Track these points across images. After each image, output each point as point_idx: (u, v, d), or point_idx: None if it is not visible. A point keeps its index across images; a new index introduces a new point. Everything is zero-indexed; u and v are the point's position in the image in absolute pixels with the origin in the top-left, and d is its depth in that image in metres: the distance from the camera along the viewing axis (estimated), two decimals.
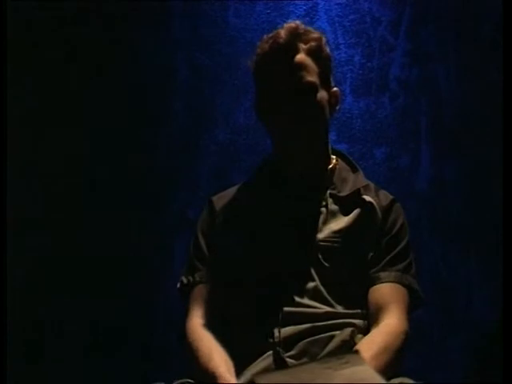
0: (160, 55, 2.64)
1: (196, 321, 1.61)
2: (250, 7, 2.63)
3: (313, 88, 1.59)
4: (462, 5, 2.59)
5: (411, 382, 1.47)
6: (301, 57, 1.59)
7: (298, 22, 1.65)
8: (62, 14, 2.61)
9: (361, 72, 2.59)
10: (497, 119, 2.31)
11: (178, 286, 1.71)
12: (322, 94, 1.62)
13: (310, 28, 1.66)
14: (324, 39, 1.65)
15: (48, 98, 2.59)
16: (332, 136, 2.50)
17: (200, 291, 1.65)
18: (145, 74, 2.62)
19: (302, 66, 1.59)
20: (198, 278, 1.66)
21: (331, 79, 1.67)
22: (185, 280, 1.69)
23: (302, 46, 1.60)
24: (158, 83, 2.62)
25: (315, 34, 1.64)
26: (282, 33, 1.60)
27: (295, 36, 1.60)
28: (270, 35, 1.63)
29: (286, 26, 1.63)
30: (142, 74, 2.62)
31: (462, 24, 2.58)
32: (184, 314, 1.65)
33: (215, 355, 1.49)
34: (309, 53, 1.60)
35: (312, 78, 1.60)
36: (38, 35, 2.61)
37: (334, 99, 1.67)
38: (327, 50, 1.66)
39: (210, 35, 2.63)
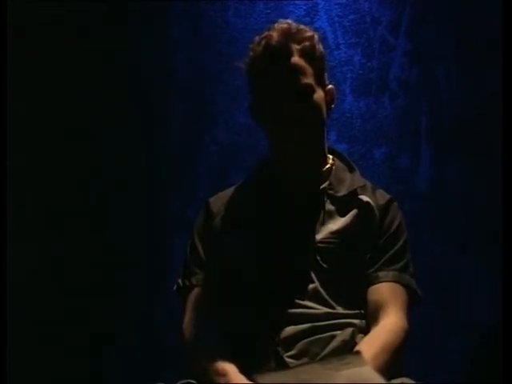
0: (160, 55, 2.64)
1: (194, 323, 1.61)
2: (250, 7, 2.63)
3: (309, 90, 1.59)
4: (461, 5, 2.59)
5: (411, 382, 1.47)
6: (295, 59, 1.57)
7: (289, 21, 1.63)
8: (62, 14, 2.61)
9: (361, 72, 2.59)
10: (497, 119, 2.31)
11: (175, 288, 1.71)
12: (319, 95, 1.61)
13: (302, 26, 1.63)
14: (317, 37, 1.63)
15: (48, 98, 2.59)
16: (332, 136, 2.50)
17: (197, 294, 1.65)
18: (145, 74, 2.62)
19: (296, 69, 1.57)
20: (194, 282, 1.66)
21: (326, 77, 1.66)
22: (181, 283, 1.69)
23: (296, 46, 1.58)
24: (158, 83, 2.62)
25: (308, 33, 1.61)
26: (275, 35, 1.58)
27: (288, 37, 1.58)
28: (262, 36, 1.61)
29: (277, 26, 1.60)
30: (142, 74, 2.62)
31: (461, 24, 2.58)
32: (181, 317, 1.66)
33: (219, 356, 1.49)
34: (302, 54, 1.58)
35: (307, 80, 1.58)
36: (37, 35, 2.61)
37: (329, 97, 1.66)
38: (321, 47, 1.64)
39: (210, 35, 2.64)
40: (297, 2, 2.62)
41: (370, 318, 1.57)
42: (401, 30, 2.60)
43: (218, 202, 1.72)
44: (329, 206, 1.63)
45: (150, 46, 2.63)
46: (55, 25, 2.61)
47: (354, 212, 1.62)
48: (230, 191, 1.75)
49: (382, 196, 1.69)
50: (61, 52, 2.61)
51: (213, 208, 1.70)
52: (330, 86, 1.67)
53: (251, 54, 1.62)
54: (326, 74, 1.66)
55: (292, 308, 1.53)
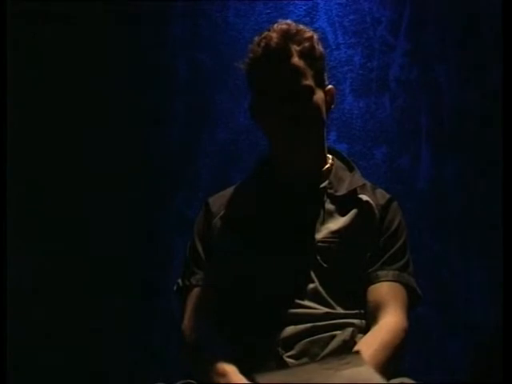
0: (160, 55, 2.64)
1: (194, 323, 1.61)
2: (249, 7, 2.63)
3: (309, 92, 1.59)
4: (461, 5, 2.58)
5: (411, 381, 1.47)
6: (295, 61, 1.57)
7: (289, 21, 1.63)
8: (62, 14, 2.61)
9: (361, 72, 2.59)
10: (497, 119, 2.31)
11: (175, 288, 1.72)
12: (318, 95, 1.61)
13: (301, 27, 1.63)
14: (316, 37, 1.63)
15: (48, 98, 2.59)
16: (332, 136, 2.50)
17: (197, 294, 1.65)
18: (145, 74, 2.62)
19: (296, 71, 1.57)
20: (194, 282, 1.66)
21: (325, 77, 1.66)
22: (181, 283, 1.69)
23: (295, 47, 1.58)
24: (158, 83, 2.62)
25: (307, 34, 1.62)
26: (274, 36, 1.58)
27: (287, 38, 1.58)
28: (262, 37, 1.61)
29: (277, 27, 1.60)
30: (142, 74, 2.62)
31: (462, 24, 2.58)
32: (181, 317, 1.66)
33: (219, 356, 1.49)
34: (302, 55, 1.58)
35: (307, 81, 1.58)
36: (38, 35, 2.61)
37: (329, 97, 1.66)
38: (320, 48, 1.64)
39: (210, 35, 2.63)
40: (297, 1, 2.62)
41: (370, 317, 1.57)
42: (401, 30, 2.60)
43: (218, 201, 1.72)
44: (329, 206, 1.63)
45: (150, 45, 2.63)
46: (55, 25, 2.61)
47: (353, 211, 1.63)
48: (229, 191, 1.75)
49: (382, 195, 1.69)
50: (60, 52, 2.61)
51: (213, 208, 1.71)
52: (330, 86, 1.67)
53: (251, 54, 1.62)
54: (325, 74, 1.66)
55: (292, 308, 1.54)
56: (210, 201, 1.73)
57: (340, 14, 2.61)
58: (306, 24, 1.68)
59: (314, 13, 2.61)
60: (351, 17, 2.61)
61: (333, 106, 1.69)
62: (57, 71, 2.60)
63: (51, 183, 2.56)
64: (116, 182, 2.56)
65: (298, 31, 1.61)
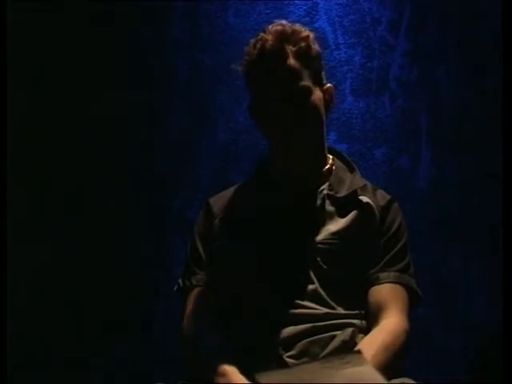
0: (160, 55, 2.64)
1: (194, 323, 1.61)
2: (250, 7, 2.63)
3: (307, 92, 1.58)
4: (461, 5, 2.59)
5: (412, 382, 1.48)
6: (291, 62, 1.56)
7: (283, 22, 1.62)
8: (61, 14, 2.61)
9: (361, 72, 2.59)
10: (496, 119, 2.31)
11: (175, 288, 1.72)
12: (316, 95, 1.60)
13: (297, 27, 1.62)
14: (312, 36, 1.62)
15: (48, 98, 2.59)
16: (332, 136, 2.50)
17: (197, 294, 1.65)
18: (145, 74, 2.62)
19: (293, 72, 1.56)
20: (194, 282, 1.66)
21: (323, 76, 1.66)
22: (181, 283, 1.70)
23: (291, 48, 1.57)
24: (158, 83, 2.62)
25: (303, 34, 1.60)
26: (270, 38, 1.57)
27: (283, 39, 1.57)
28: (258, 39, 1.59)
29: (272, 29, 1.59)
30: (142, 74, 2.62)
31: (462, 24, 2.58)
32: (181, 317, 1.66)
33: (219, 356, 1.49)
34: (298, 56, 1.57)
35: (304, 82, 1.57)
36: (37, 35, 2.61)
37: (328, 96, 1.65)
38: (316, 47, 1.63)
39: (210, 35, 2.63)
40: (297, 1, 2.62)
41: (371, 318, 1.57)
42: (401, 30, 2.60)
43: (219, 202, 1.72)
44: (329, 207, 1.63)
45: (150, 45, 2.63)
46: (55, 25, 2.61)
47: (354, 213, 1.62)
48: (230, 191, 1.75)
49: (383, 197, 1.69)
50: (61, 52, 2.61)
51: (213, 208, 1.71)
52: (329, 85, 1.66)
53: (247, 57, 1.61)
54: (323, 73, 1.66)
55: (292, 308, 1.54)
56: (210, 201, 1.73)
57: (340, 14, 2.61)
58: (306, 24, 1.67)
59: (314, 13, 2.61)
60: (351, 17, 2.61)
61: (332, 105, 1.68)
62: (57, 71, 2.60)
63: (51, 183, 2.56)
64: (116, 182, 2.56)
65: (294, 32, 1.60)
